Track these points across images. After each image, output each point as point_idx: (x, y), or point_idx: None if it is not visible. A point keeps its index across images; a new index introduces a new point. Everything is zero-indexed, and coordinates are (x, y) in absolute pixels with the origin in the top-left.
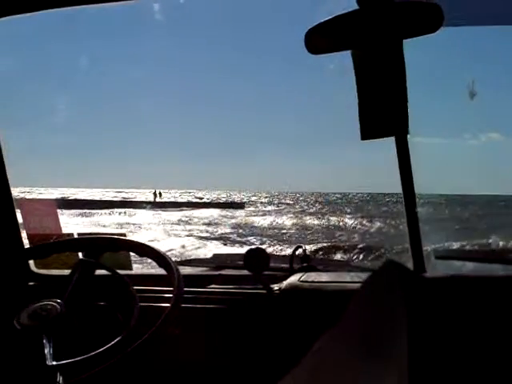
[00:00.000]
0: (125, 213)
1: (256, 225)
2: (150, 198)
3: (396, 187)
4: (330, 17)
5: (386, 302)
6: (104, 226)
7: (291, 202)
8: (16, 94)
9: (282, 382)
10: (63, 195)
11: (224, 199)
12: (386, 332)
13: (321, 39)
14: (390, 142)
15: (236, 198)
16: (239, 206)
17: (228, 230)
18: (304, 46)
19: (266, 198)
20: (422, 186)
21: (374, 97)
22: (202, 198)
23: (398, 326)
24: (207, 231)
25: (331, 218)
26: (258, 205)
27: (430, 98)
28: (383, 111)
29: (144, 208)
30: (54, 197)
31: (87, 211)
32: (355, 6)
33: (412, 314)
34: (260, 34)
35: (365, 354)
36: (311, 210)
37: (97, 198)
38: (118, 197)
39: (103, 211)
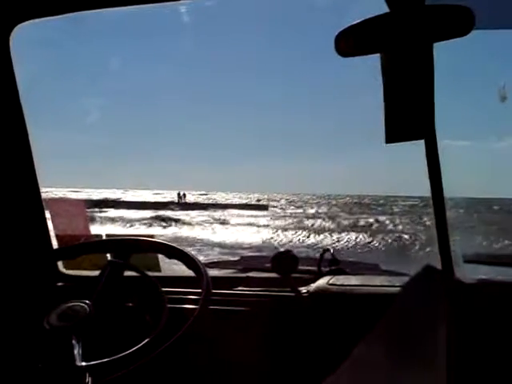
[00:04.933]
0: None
1: None
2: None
3: (408, 190)
4: (361, 19)
5: (426, 308)
6: None
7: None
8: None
9: None
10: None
11: (245, 201)
12: (426, 336)
13: (351, 42)
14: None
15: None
16: (263, 207)
17: None
18: (334, 49)
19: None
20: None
21: (402, 100)
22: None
23: (438, 330)
24: None
25: None
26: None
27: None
28: (410, 114)
29: (193, 210)
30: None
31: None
32: (386, 9)
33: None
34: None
35: (405, 358)
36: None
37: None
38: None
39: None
